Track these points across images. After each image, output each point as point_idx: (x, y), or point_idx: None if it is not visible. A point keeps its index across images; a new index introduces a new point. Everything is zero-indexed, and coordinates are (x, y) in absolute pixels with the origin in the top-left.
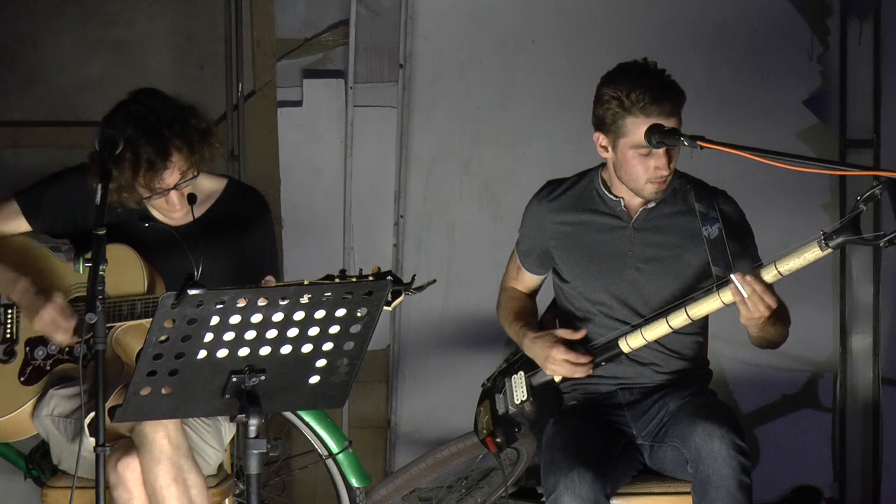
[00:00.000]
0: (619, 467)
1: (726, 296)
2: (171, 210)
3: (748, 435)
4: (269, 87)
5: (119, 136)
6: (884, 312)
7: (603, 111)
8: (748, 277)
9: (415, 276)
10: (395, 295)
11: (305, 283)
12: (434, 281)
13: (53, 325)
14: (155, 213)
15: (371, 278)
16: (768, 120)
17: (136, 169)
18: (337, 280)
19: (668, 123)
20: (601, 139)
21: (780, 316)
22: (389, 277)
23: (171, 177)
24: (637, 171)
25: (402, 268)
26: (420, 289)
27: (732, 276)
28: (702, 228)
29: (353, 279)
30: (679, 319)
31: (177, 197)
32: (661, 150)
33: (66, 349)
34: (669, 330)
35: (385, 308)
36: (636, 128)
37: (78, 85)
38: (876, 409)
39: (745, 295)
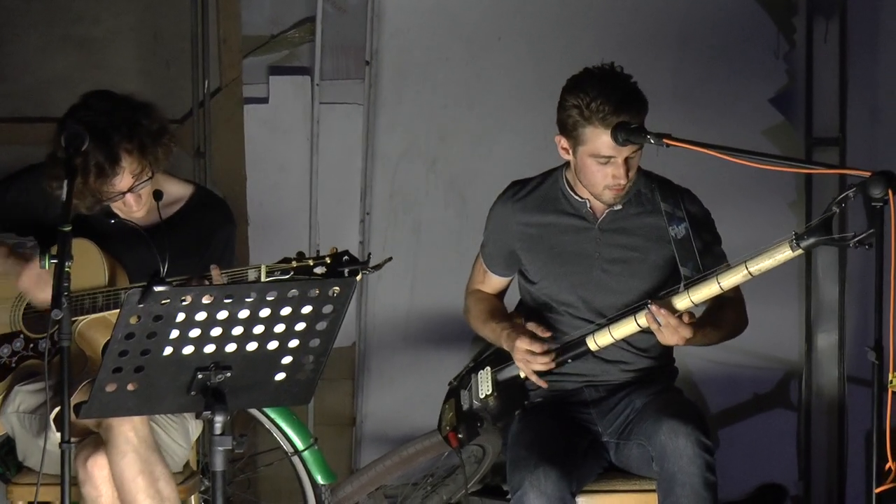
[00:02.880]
0: (584, 465)
1: (642, 321)
2: (128, 211)
3: (715, 433)
4: (236, 84)
5: (84, 133)
6: (849, 311)
7: (565, 117)
8: (662, 311)
9: (370, 254)
10: (353, 274)
11: (263, 268)
12: (390, 259)
13: (40, 280)
14: (118, 212)
15: (328, 259)
16: (734, 118)
17: (85, 175)
18: (294, 262)
19: None
20: (562, 142)
21: (717, 325)
22: (346, 258)
23: (122, 182)
24: (595, 177)
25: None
26: (377, 267)
27: (649, 305)
28: (668, 228)
29: (311, 261)
30: (647, 318)
31: (133, 199)
32: (620, 160)
33: (31, 345)
34: (637, 328)
35: None
36: (595, 137)
37: (43, 82)
38: (841, 408)
39: (661, 324)
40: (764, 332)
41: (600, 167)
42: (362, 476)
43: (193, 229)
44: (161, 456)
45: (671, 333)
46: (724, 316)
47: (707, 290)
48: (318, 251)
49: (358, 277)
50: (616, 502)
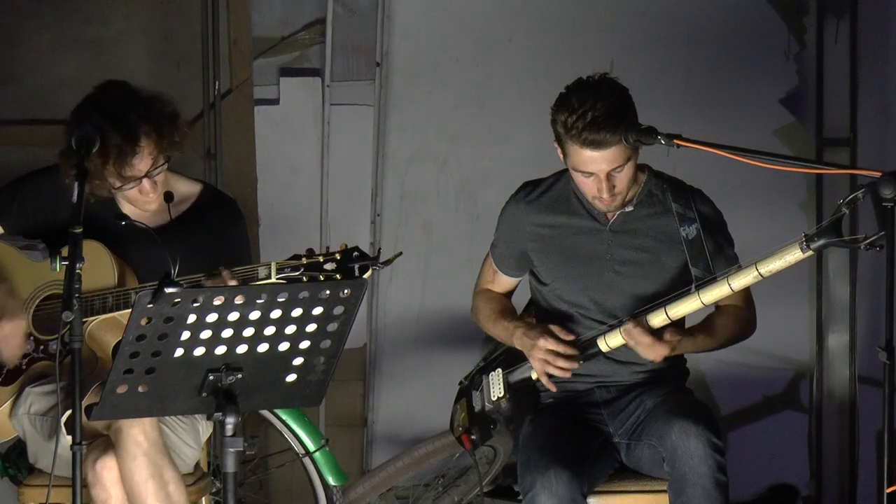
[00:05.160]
0: (595, 466)
1: (617, 339)
2: (144, 200)
3: (726, 433)
4: (246, 86)
5: (95, 134)
6: (860, 311)
7: (554, 128)
8: (636, 329)
9: (380, 249)
10: (363, 270)
11: (273, 265)
12: (400, 253)
13: (7, 338)
14: (127, 210)
15: (338, 255)
16: (745, 118)
17: (105, 157)
18: (304, 259)
19: (603, 157)
20: (558, 149)
21: (711, 334)
22: (356, 253)
23: (141, 163)
24: (583, 188)
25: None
26: (387, 262)
27: (626, 322)
28: (679, 229)
29: (321, 257)
30: (659, 319)
31: (149, 185)
32: (602, 176)
33: (41, 347)
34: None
35: None
36: (575, 153)
37: (54, 83)
38: (852, 408)
39: (636, 342)
40: (775, 332)
41: (585, 180)
42: (374, 477)
43: (204, 228)
44: (171, 459)
45: (645, 350)
46: (722, 323)
47: (718, 292)
48: (327, 248)
49: (368, 273)
50: (627, 503)
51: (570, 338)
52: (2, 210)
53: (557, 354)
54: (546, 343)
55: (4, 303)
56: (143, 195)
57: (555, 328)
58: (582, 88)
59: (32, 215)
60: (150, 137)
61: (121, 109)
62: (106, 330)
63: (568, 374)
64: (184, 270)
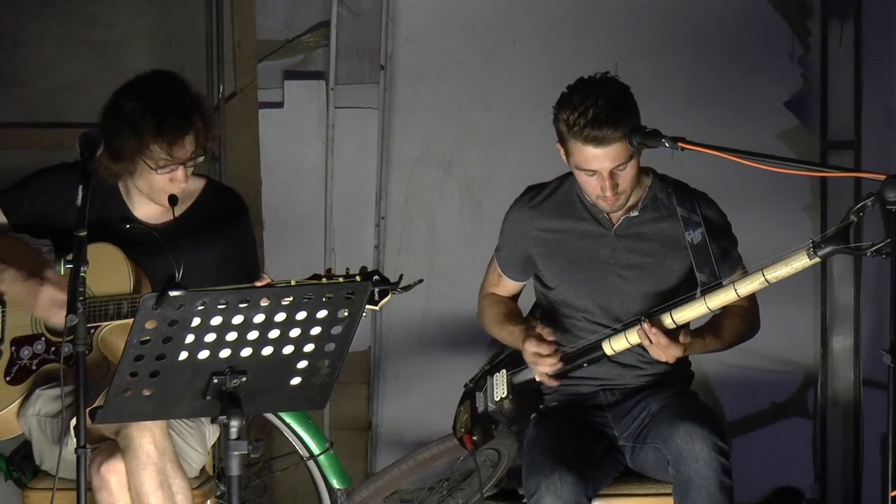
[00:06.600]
0: (600, 469)
1: (634, 337)
2: (172, 186)
3: (730, 436)
4: (250, 89)
5: (100, 139)
6: (864, 314)
7: (556, 126)
8: (654, 329)
9: (402, 275)
10: (382, 294)
11: (293, 283)
12: (421, 280)
13: (54, 304)
14: (137, 204)
15: (358, 278)
16: (749, 121)
17: (160, 130)
18: (324, 280)
19: (606, 154)
20: (561, 150)
21: (719, 335)
22: (376, 277)
23: (186, 146)
24: (587, 188)
25: (384, 269)
26: (407, 288)
27: (642, 322)
28: (684, 233)
29: (341, 279)
30: (665, 323)
31: (182, 174)
32: (605, 174)
33: (52, 348)
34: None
35: (372, 308)
36: (577, 151)
37: (58, 86)
38: (857, 411)
39: (651, 342)
40: (779, 336)
41: (588, 179)
42: (378, 480)
43: (209, 222)
44: (180, 468)
45: (661, 351)
46: (729, 324)
47: (724, 297)
48: (347, 269)
49: (387, 298)
50: None
51: (551, 338)
52: (12, 206)
53: (539, 356)
54: (529, 346)
55: (43, 269)
56: (173, 183)
57: (541, 329)
58: (584, 86)
59: (41, 213)
60: (198, 126)
61: (174, 92)
62: (118, 335)
63: (556, 367)
64: (191, 266)
